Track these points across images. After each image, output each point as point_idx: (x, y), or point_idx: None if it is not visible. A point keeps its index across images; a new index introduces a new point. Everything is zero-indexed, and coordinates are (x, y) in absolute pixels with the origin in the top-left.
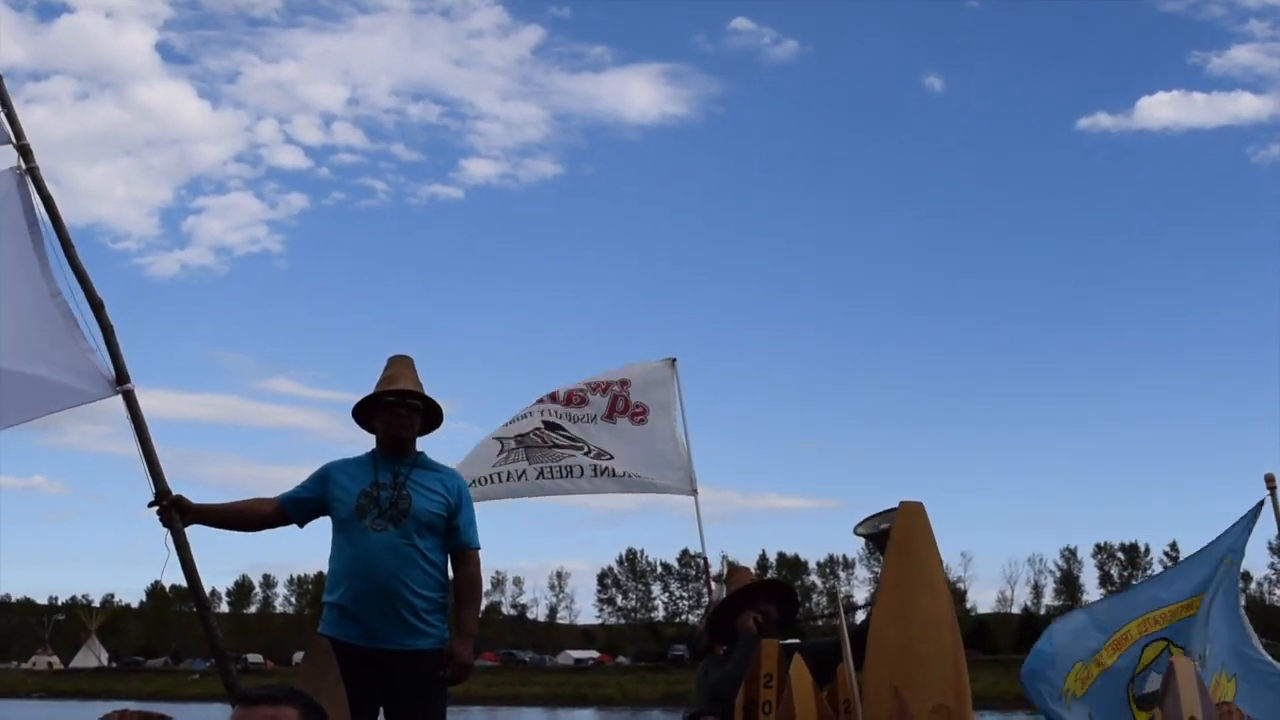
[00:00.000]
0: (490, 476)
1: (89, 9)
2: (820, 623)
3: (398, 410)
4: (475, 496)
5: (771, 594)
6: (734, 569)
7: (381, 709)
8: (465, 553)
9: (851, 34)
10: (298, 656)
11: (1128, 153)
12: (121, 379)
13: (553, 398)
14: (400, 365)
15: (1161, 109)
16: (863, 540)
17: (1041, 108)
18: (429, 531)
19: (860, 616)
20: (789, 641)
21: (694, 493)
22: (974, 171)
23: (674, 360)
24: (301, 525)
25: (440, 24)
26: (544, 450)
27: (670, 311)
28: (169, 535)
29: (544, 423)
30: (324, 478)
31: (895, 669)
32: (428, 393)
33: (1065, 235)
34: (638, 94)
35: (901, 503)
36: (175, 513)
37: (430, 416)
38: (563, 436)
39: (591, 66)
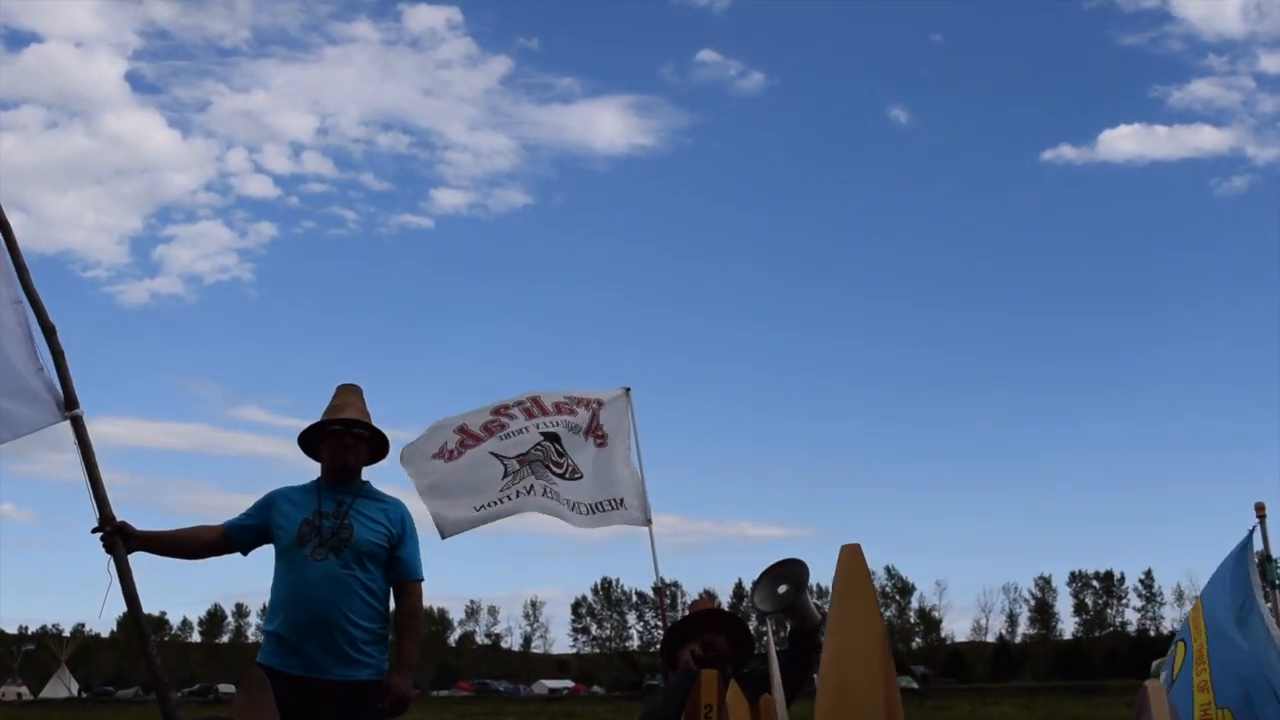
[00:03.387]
0: (499, 499)
1: (58, 38)
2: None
3: (344, 439)
4: (483, 518)
5: (720, 625)
6: (700, 599)
7: None
8: (407, 584)
9: (817, 66)
10: None
11: (1091, 185)
12: (70, 404)
13: (540, 409)
14: (348, 394)
15: (1123, 142)
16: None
17: (1005, 140)
18: (370, 561)
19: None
20: (753, 670)
21: (648, 523)
22: (939, 202)
23: (628, 390)
24: (245, 553)
25: (409, 55)
26: (545, 466)
27: (642, 342)
28: (111, 561)
29: (544, 434)
30: (267, 505)
31: (832, 708)
32: (384, 422)
33: (1032, 266)
34: (606, 125)
35: (843, 547)
36: (118, 539)
37: (376, 446)
38: (556, 451)
39: (560, 97)
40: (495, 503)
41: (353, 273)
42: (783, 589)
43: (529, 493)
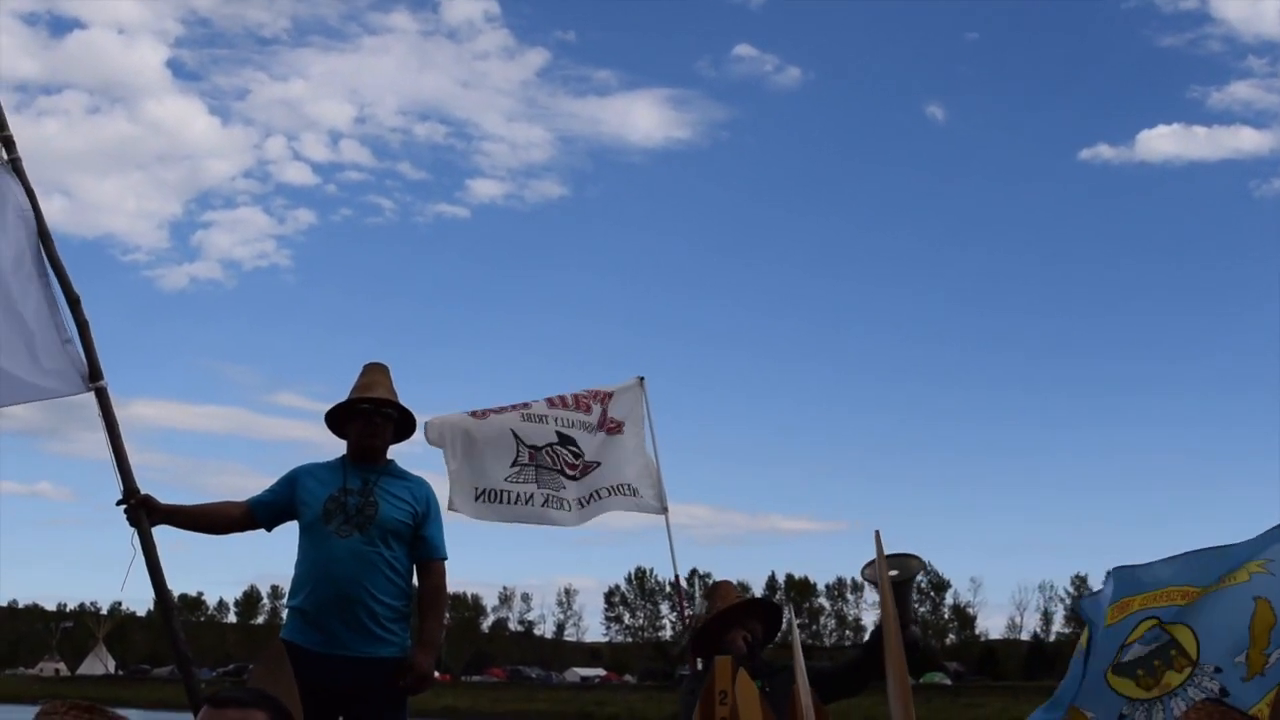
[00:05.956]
0: (500, 493)
1: (101, 25)
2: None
3: (372, 419)
4: (477, 512)
5: (758, 613)
6: (719, 585)
7: (341, 717)
8: (430, 563)
9: (853, 62)
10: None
11: (1129, 184)
12: (95, 376)
13: (563, 402)
14: (376, 373)
15: (1162, 142)
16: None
17: (1042, 138)
18: (394, 539)
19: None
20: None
21: (664, 511)
22: (975, 200)
23: (642, 379)
24: (269, 529)
25: (446, 46)
26: (552, 475)
27: (676, 334)
28: (135, 534)
29: (559, 434)
30: (292, 481)
31: None
32: (417, 410)
33: (1068, 265)
34: (642, 118)
35: None
36: (142, 512)
37: (403, 426)
38: (571, 453)
39: (596, 90)
40: (495, 495)
41: (389, 261)
42: (893, 573)
43: (528, 501)
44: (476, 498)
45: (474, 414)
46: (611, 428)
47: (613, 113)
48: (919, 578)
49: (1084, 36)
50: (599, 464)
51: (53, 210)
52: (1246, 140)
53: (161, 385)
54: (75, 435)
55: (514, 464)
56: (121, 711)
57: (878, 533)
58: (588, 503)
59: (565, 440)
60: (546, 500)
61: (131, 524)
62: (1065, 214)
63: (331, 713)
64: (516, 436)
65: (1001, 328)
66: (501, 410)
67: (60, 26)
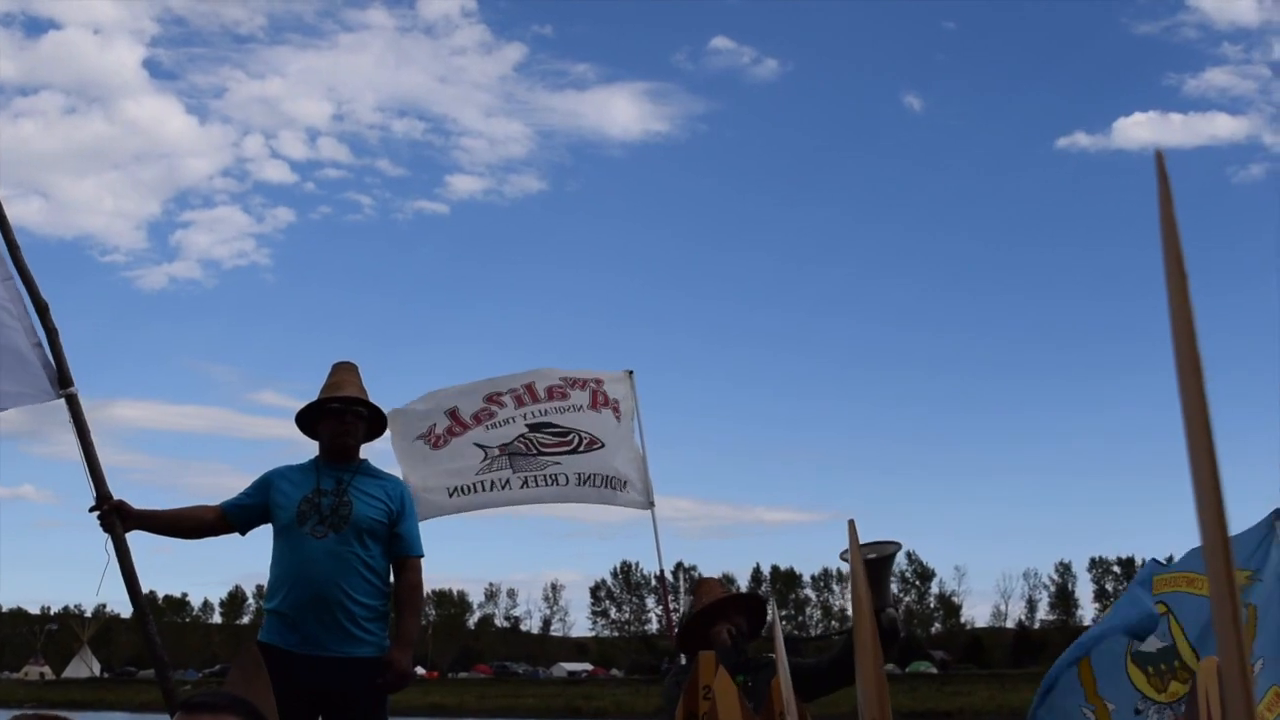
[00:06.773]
0: (473, 485)
1: (77, 25)
2: (836, 636)
3: (344, 418)
4: (455, 507)
5: (743, 607)
6: (703, 581)
7: (321, 717)
8: (407, 560)
9: (830, 53)
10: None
11: (1107, 172)
12: (65, 382)
13: (532, 395)
14: (345, 372)
15: (1138, 130)
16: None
17: (1019, 127)
18: (370, 538)
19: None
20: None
21: (650, 506)
22: (953, 190)
23: (631, 372)
24: (243, 533)
25: (423, 41)
26: (528, 458)
27: (657, 327)
28: (109, 540)
29: (529, 425)
30: (266, 484)
31: None
32: (396, 402)
33: (1046, 252)
34: (621, 111)
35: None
36: (116, 518)
37: (374, 424)
38: (550, 435)
39: (574, 84)
40: (469, 488)
41: (369, 258)
42: (871, 555)
43: (504, 486)
44: (451, 494)
45: (433, 442)
46: (616, 410)
47: (591, 106)
48: (899, 558)
49: (1060, 25)
50: (603, 445)
51: (30, 211)
52: (1223, 127)
53: (142, 386)
54: (58, 438)
55: (484, 460)
56: (108, 715)
57: (851, 522)
58: (587, 481)
59: (538, 427)
60: (525, 482)
61: (105, 530)
62: (1043, 202)
63: (311, 714)
64: (480, 446)
65: (982, 315)
66: (464, 427)
67: (35, 27)
